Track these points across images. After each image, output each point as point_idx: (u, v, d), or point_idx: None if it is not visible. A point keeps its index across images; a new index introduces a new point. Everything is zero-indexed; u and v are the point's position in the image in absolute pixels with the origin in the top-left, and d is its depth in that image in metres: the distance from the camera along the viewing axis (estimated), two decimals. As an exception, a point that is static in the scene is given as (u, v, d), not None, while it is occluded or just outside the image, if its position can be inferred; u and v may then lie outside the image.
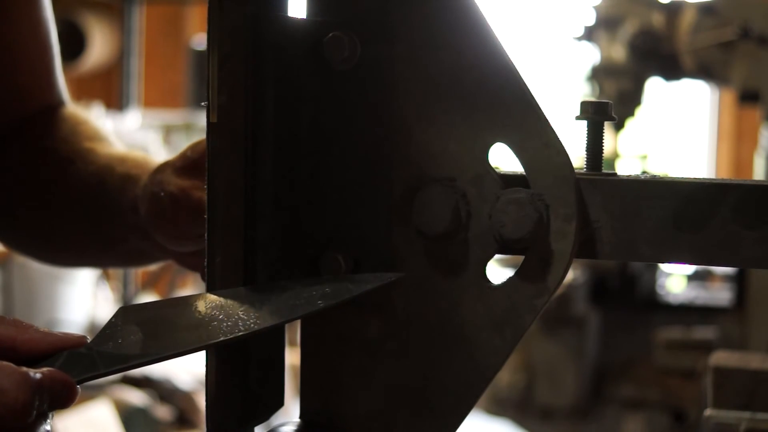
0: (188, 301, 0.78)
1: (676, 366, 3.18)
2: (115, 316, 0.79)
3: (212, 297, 0.76)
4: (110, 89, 6.62)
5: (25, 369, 0.71)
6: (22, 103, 1.12)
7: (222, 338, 0.72)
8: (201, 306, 0.76)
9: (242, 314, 0.73)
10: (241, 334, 0.72)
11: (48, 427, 0.74)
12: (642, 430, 3.28)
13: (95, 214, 1.03)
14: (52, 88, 1.14)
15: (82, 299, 4.69)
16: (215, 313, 0.74)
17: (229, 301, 0.75)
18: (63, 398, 0.72)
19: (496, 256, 0.78)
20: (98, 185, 1.02)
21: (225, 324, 0.73)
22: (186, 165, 0.93)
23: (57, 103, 1.14)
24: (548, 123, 0.75)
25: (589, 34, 3.46)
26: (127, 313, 0.78)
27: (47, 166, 1.08)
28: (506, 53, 0.76)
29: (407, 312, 0.79)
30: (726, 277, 3.80)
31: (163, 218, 0.93)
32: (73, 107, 1.16)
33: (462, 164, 0.77)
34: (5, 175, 1.10)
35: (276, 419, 0.82)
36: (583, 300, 3.41)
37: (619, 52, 3.35)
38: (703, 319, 3.42)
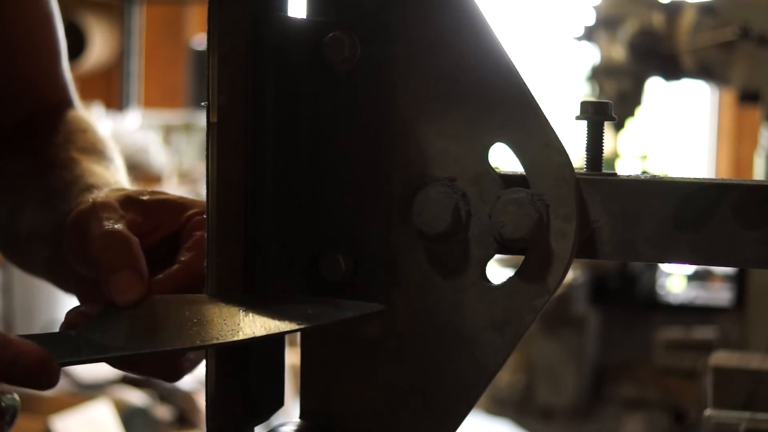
0: (179, 300, 0.78)
1: (676, 366, 3.18)
2: (108, 305, 0.79)
3: (200, 300, 0.76)
4: (110, 89, 6.62)
5: None
6: (27, 99, 1.11)
7: (196, 344, 0.73)
8: (189, 308, 0.76)
9: (223, 323, 0.74)
10: (216, 342, 0.73)
11: (11, 403, 0.73)
12: (642, 430, 3.28)
13: (48, 223, 0.96)
14: (58, 85, 1.13)
15: (82, 299, 4.68)
16: (199, 317, 0.75)
17: (215, 308, 0.75)
18: (37, 374, 0.71)
19: (496, 256, 0.78)
20: (60, 194, 0.96)
21: (204, 330, 0.74)
22: (135, 200, 0.88)
23: (63, 102, 1.13)
24: (548, 123, 0.75)
25: (589, 34, 3.46)
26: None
27: (30, 167, 1.05)
28: (506, 53, 0.76)
29: (407, 312, 0.79)
30: (726, 277, 3.80)
31: (76, 222, 0.86)
32: (79, 111, 1.13)
33: (462, 164, 0.77)
34: (3, 173, 1.09)
35: (276, 419, 0.82)
36: (583, 300, 3.42)
37: (619, 52, 3.36)
38: (703, 319, 3.42)
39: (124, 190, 0.91)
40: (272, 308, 0.76)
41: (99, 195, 0.89)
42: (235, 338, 0.73)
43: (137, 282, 0.79)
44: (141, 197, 0.88)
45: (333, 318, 0.76)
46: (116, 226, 0.83)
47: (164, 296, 0.80)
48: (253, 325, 0.74)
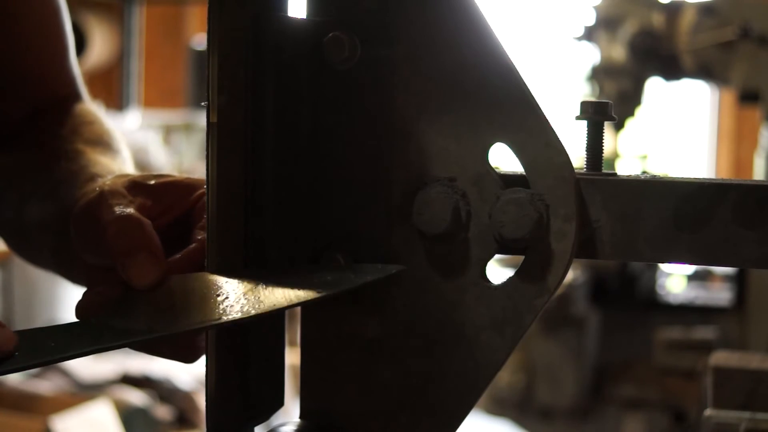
0: (195, 279, 0.78)
1: (676, 366, 3.18)
2: (125, 290, 0.79)
3: (217, 277, 0.76)
4: (110, 89, 6.62)
5: None
6: (35, 92, 1.12)
7: (222, 320, 0.72)
8: (206, 285, 0.76)
9: (244, 298, 0.73)
10: (240, 317, 0.72)
11: None
12: (642, 430, 3.28)
13: (54, 214, 0.96)
14: (66, 78, 1.14)
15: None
16: (218, 294, 0.74)
17: (234, 283, 0.75)
18: None
19: (496, 256, 0.78)
20: (66, 185, 0.96)
21: (227, 306, 0.73)
22: (141, 185, 0.88)
23: (71, 95, 1.14)
24: (548, 123, 0.75)
25: (589, 34, 3.47)
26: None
27: (37, 159, 1.05)
28: (506, 53, 0.76)
29: (407, 312, 0.79)
30: (726, 277, 3.80)
31: (84, 212, 0.86)
32: (87, 104, 1.14)
33: (462, 164, 0.77)
34: (10, 165, 1.09)
35: (276, 419, 0.82)
36: (583, 300, 3.42)
37: (619, 52, 3.36)
38: (703, 319, 3.42)
39: (129, 175, 0.91)
40: (290, 279, 0.75)
41: (105, 182, 0.89)
42: (258, 311, 0.72)
43: (154, 264, 0.79)
44: (148, 181, 0.88)
45: (353, 283, 0.75)
46: (127, 211, 0.83)
47: (180, 275, 0.79)
48: (273, 297, 0.73)
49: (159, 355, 0.87)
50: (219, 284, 0.75)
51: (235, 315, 0.72)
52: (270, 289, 0.74)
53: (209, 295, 0.74)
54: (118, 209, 0.83)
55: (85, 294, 0.83)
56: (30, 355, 0.72)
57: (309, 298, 0.74)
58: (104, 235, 0.82)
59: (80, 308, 0.81)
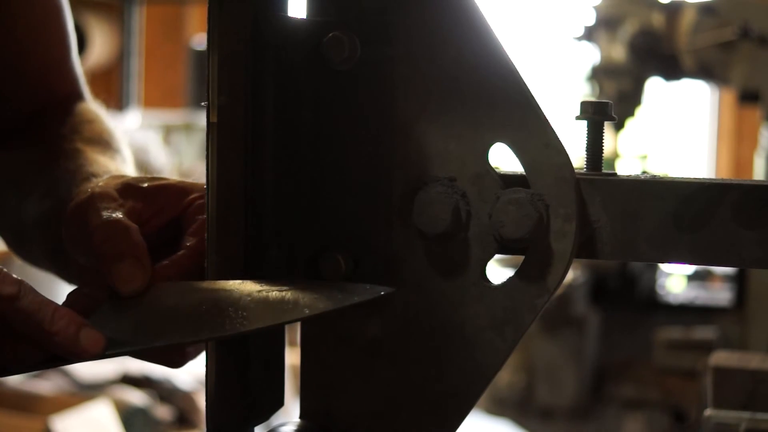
0: (184, 288, 0.78)
1: (676, 366, 3.18)
2: (110, 298, 0.79)
3: (206, 287, 0.76)
4: (110, 89, 6.61)
5: None
6: (37, 92, 1.12)
7: (205, 336, 0.73)
8: (195, 296, 0.76)
9: (231, 312, 0.73)
10: (224, 334, 0.72)
11: None
12: (642, 430, 3.28)
13: (51, 213, 0.96)
14: (68, 78, 1.14)
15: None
16: (206, 307, 0.74)
17: (220, 296, 0.75)
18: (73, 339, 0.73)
19: (496, 256, 0.78)
20: (63, 184, 0.96)
21: (212, 320, 0.73)
22: (134, 187, 0.87)
23: (73, 94, 1.13)
24: (548, 123, 0.75)
25: (589, 34, 3.46)
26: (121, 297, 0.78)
27: (37, 158, 1.05)
28: (506, 53, 0.76)
29: (407, 312, 0.79)
30: (726, 277, 3.80)
31: (75, 213, 0.86)
32: (88, 103, 1.14)
33: (462, 164, 0.77)
34: (11, 164, 1.09)
35: (276, 419, 0.82)
36: (583, 300, 3.41)
37: (619, 52, 3.35)
38: (703, 319, 3.42)
39: (123, 177, 0.91)
40: (278, 295, 0.75)
41: (97, 184, 0.89)
42: (244, 329, 0.72)
43: (139, 271, 0.79)
44: (140, 184, 0.88)
45: (340, 303, 0.76)
46: (114, 215, 0.83)
47: (169, 283, 0.79)
48: (260, 314, 0.73)
49: (146, 360, 0.87)
50: (208, 296, 0.75)
51: (219, 333, 0.73)
52: (258, 305, 0.74)
53: (197, 307, 0.74)
54: (105, 213, 0.83)
55: (70, 294, 0.82)
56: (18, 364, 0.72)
57: (295, 317, 0.74)
58: (92, 241, 0.82)
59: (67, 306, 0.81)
